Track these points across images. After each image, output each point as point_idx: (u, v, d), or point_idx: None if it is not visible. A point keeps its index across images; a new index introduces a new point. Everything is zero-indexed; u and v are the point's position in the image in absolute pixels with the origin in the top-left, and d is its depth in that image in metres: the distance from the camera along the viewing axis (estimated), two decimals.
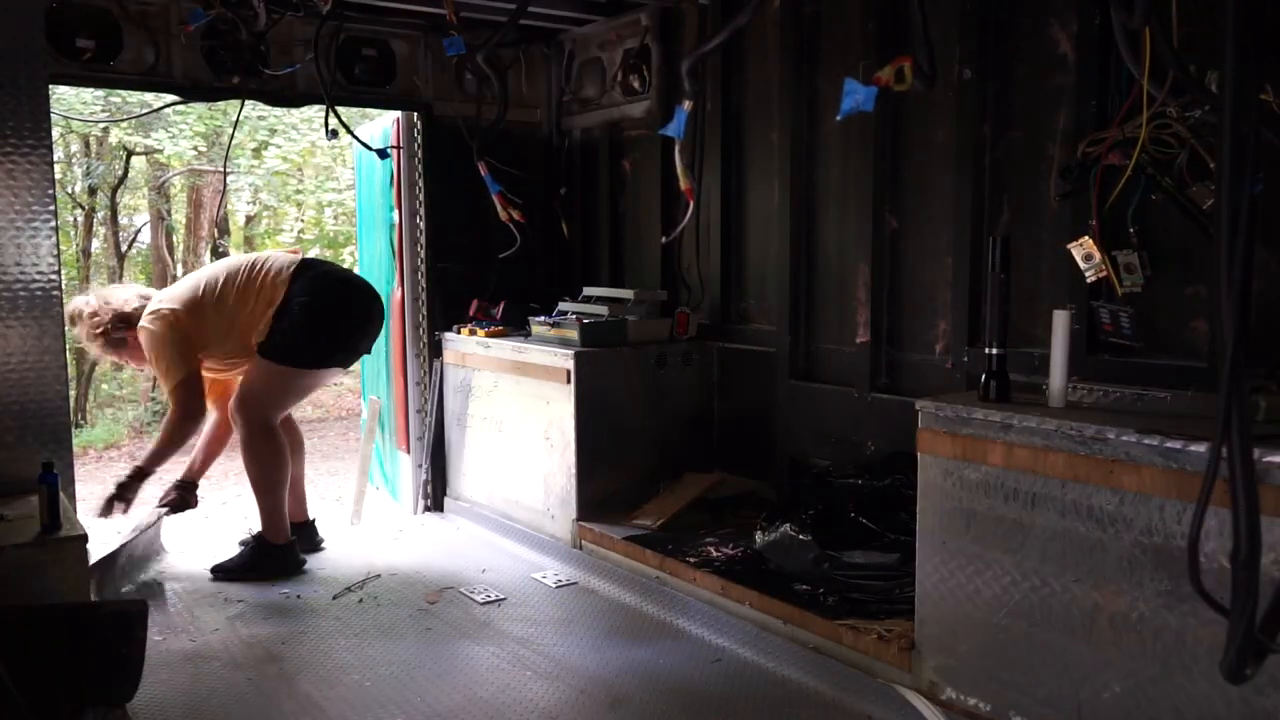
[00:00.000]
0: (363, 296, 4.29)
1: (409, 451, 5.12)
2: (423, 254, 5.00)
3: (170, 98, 4.37)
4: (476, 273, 5.00)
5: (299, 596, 3.84)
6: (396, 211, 5.08)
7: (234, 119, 5.06)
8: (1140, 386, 2.89)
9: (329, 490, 6.35)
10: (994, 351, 2.77)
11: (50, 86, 3.25)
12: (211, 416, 4.38)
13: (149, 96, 4.92)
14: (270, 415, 4.07)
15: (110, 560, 3.78)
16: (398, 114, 5.00)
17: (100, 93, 8.74)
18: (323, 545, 4.45)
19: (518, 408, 4.57)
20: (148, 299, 4.10)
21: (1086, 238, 2.99)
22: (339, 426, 9.46)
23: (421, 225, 5.00)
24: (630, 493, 4.37)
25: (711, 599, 3.56)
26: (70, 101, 8.64)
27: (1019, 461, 2.59)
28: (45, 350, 3.19)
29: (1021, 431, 2.58)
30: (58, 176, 8.10)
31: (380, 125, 5.19)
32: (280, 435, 4.11)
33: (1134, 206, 2.92)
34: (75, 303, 4.06)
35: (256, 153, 10.78)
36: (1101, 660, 2.45)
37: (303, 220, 13.53)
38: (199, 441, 4.42)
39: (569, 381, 4.23)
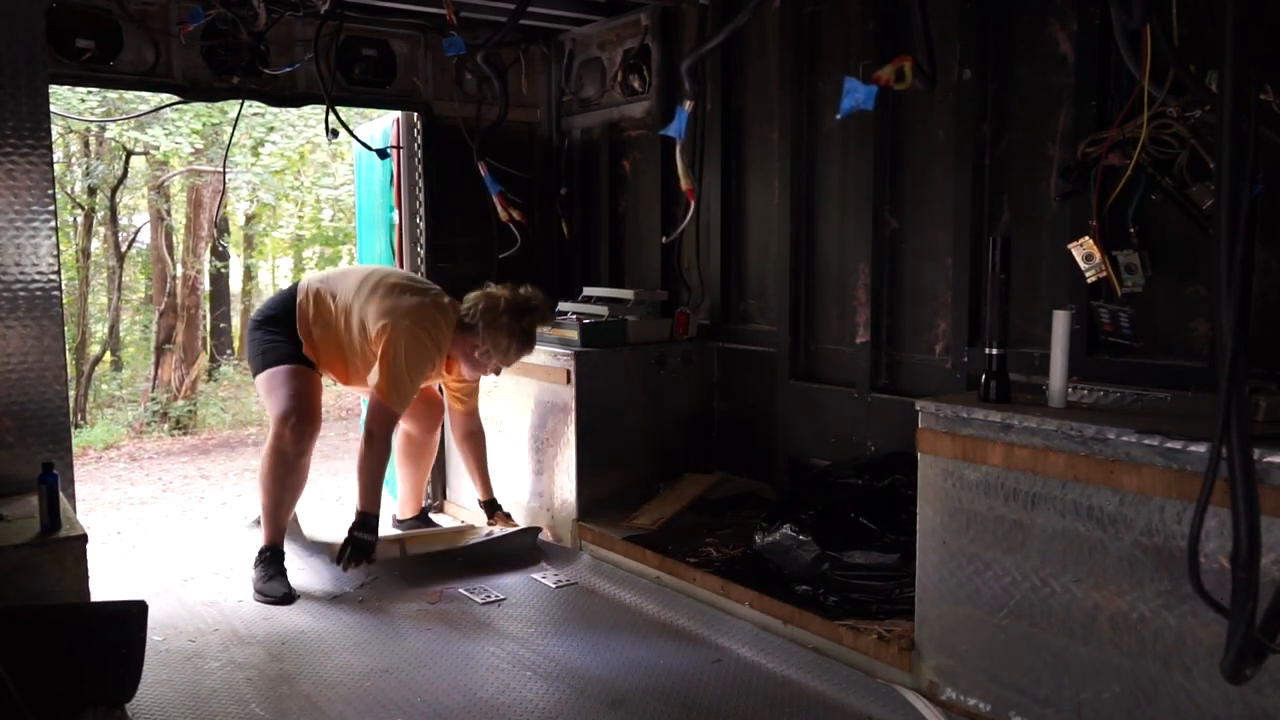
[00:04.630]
0: None
1: None
2: (423, 254, 5.00)
3: (169, 97, 4.37)
4: (476, 273, 4.99)
5: (299, 596, 3.83)
6: (396, 211, 5.08)
7: (233, 118, 5.05)
8: (1140, 386, 2.89)
9: (329, 490, 6.36)
10: (994, 351, 2.77)
11: (50, 86, 3.24)
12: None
13: (147, 95, 4.91)
14: None
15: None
16: (398, 114, 5.00)
17: (98, 91, 8.74)
18: None
19: (518, 408, 4.57)
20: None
21: (1087, 238, 2.99)
22: (339, 426, 9.47)
23: (421, 225, 5.00)
24: (630, 493, 4.36)
25: (711, 599, 3.56)
26: (68, 99, 8.65)
27: (1019, 462, 2.59)
28: (45, 350, 3.19)
29: (1021, 432, 2.58)
30: (58, 176, 8.10)
31: (380, 125, 5.19)
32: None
33: (1134, 206, 2.92)
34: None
35: (254, 150, 10.78)
36: (1101, 660, 2.45)
37: (301, 217, 13.54)
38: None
39: (569, 381, 4.23)
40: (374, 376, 3.88)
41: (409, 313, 3.88)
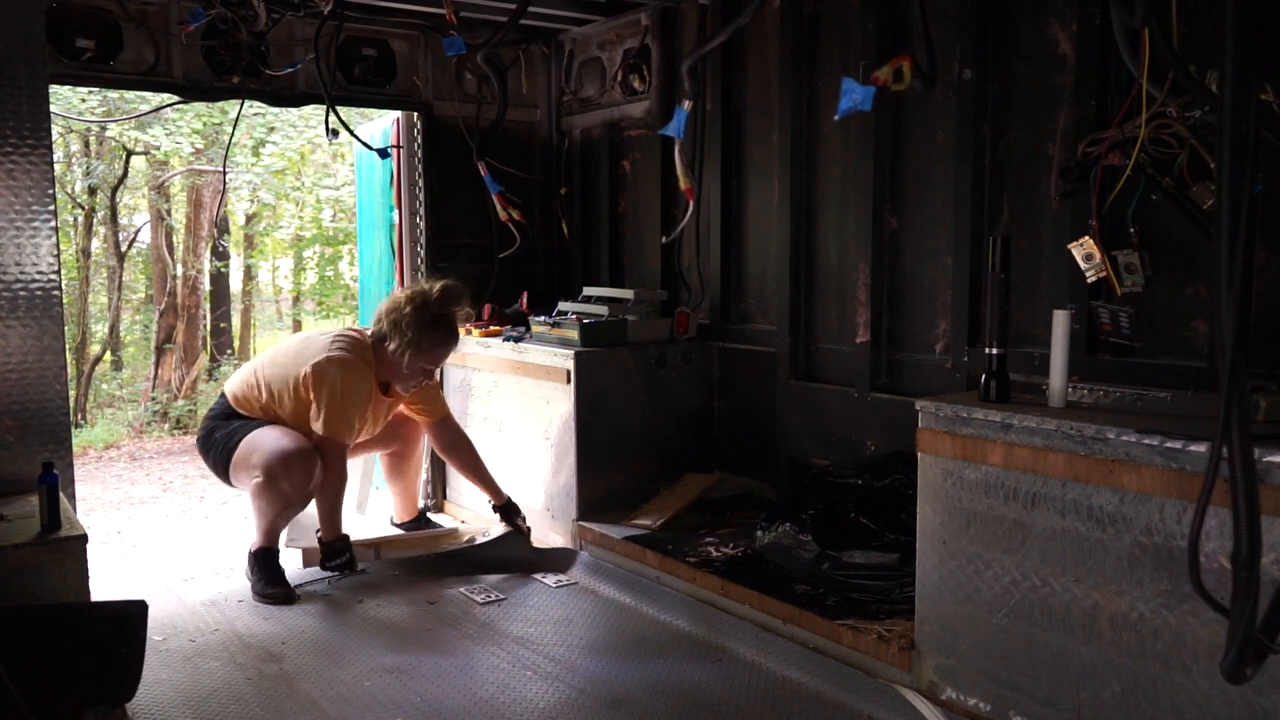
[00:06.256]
0: None
1: None
2: (423, 254, 5.00)
3: (169, 97, 4.37)
4: (477, 272, 5.00)
5: (299, 597, 3.83)
6: (396, 211, 5.08)
7: (233, 118, 5.05)
8: (1140, 386, 2.89)
9: None
10: (994, 351, 2.77)
11: (50, 86, 3.24)
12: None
13: (148, 95, 4.91)
14: None
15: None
16: (398, 114, 5.00)
17: (98, 91, 8.74)
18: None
19: (518, 408, 4.57)
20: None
21: (1087, 238, 2.99)
22: None
23: (421, 225, 5.00)
24: (630, 493, 4.37)
25: (711, 599, 3.56)
26: (69, 99, 8.65)
27: (1019, 461, 2.59)
28: (45, 350, 3.19)
29: (1021, 431, 2.58)
30: (58, 176, 8.10)
31: (380, 125, 5.19)
32: None
33: (1134, 206, 2.92)
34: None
35: (255, 150, 10.78)
36: (1101, 660, 2.45)
37: (301, 217, 13.54)
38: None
39: (569, 381, 4.23)
40: (313, 415, 3.82)
41: (325, 347, 3.86)
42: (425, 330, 3.84)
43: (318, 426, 3.81)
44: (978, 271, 3.45)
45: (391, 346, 3.86)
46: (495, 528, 4.37)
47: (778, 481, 4.30)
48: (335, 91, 4.45)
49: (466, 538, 4.33)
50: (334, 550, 3.92)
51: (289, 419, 3.91)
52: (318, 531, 3.95)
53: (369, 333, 4.01)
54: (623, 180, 5.11)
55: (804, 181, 4.13)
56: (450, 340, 3.96)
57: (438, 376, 4.20)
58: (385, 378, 3.99)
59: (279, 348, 4.07)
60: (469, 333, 4.75)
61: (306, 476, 3.74)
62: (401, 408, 4.26)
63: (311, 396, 3.82)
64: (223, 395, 4.09)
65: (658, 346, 4.45)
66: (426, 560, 4.14)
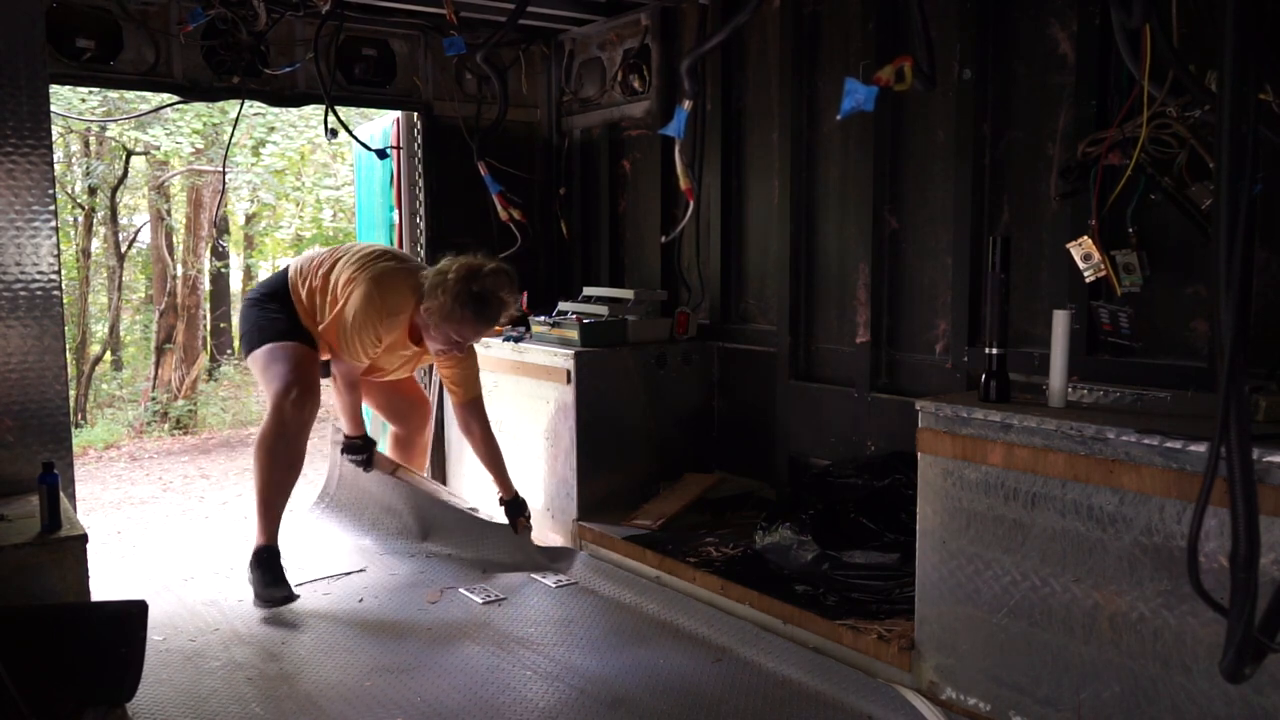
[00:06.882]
0: None
1: None
2: (422, 254, 5.00)
3: (169, 97, 4.38)
4: None
5: (299, 596, 3.82)
6: (396, 211, 5.09)
7: (233, 118, 5.05)
8: (1140, 386, 2.89)
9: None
10: (994, 351, 2.77)
11: (50, 86, 3.24)
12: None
13: (148, 95, 4.91)
14: None
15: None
16: (398, 114, 5.00)
17: (98, 91, 8.75)
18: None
19: (518, 408, 4.57)
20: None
21: (1086, 238, 2.99)
22: None
23: (421, 225, 5.00)
24: (630, 493, 4.37)
25: (711, 599, 3.56)
26: (69, 99, 8.65)
27: (1019, 461, 2.59)
28: (45, 350, 3.19)
29: (1021, 431, 2.58)
30: (58, 176, 8.11)
31: (380, 125, 5.20)
32: None
33: (1134, 206, 2.92)
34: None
35: (255, 150, 10.78)
36: (1101, 660, 2.45)
37: (301, 217, 13.54)
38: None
39: (569, 381, 4.23)
40: (326, 317, 3.90)
41: (373, 269, 3.86)
42: (459, 303, 3.77)
43: (322, 327, 3.93)
44: (978, 271, 3.45)
45: (426, 305, 3.84)
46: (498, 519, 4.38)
47: (778, 481, 4.30)
48: (335, 91, 4.45)
49: (470, 505, 4.36)
50: (355, 446, 4.30)
51: (320, 329, 3.95)
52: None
53: (429, 274, 3.91)
54: (623, 180, 5.11)
55: (804, 181, 4.13)
56: (480, 321, 3.86)
57: (477, 360, 4.24)
58: (418, 327, 3.97)
59: (358, 249, 4.07)
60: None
61: (302, 411, 3.83)
62: (437, 374, 4.34)
63: (338, 299, 3.90)
64: (285, 269, 4.16)
65: (658, 346, 4.45)
66: (432, 501, 4.35)
